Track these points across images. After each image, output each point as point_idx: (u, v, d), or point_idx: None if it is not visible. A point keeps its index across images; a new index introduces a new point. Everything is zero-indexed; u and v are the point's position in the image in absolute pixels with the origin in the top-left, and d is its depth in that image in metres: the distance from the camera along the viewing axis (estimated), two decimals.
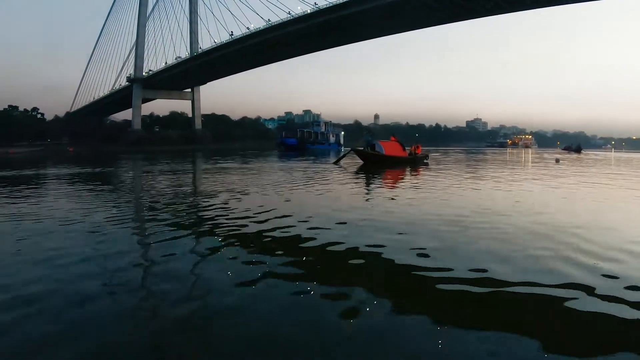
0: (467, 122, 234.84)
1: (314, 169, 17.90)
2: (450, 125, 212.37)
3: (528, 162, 25.16)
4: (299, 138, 73.97)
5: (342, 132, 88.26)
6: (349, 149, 23.86)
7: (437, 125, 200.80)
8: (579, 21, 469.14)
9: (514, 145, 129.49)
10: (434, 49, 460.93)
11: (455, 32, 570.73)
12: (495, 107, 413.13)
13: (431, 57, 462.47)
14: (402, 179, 13.60)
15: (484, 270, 3.82)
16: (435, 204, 7.97)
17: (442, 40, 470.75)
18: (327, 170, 16.97)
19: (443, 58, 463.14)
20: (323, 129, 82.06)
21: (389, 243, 4.77)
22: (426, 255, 4.33)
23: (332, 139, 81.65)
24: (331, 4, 63.24)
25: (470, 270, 3.84)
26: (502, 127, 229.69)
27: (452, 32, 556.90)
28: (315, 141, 76.57)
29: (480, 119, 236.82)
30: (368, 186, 11.18)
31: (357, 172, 16.06)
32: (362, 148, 21.84)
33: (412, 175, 14.86)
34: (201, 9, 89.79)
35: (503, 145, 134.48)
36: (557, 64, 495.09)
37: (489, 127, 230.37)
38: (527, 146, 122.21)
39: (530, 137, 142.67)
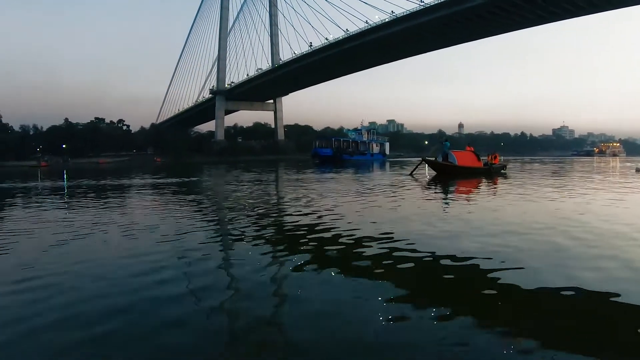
0: (554, 130, 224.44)
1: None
2: (536, 134, 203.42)
3: (614, 173, 24.02)
4: (334, 148, 67.30)
5: (388, 142, 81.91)
6: (420, 159, 23.64)
7: (523, 134, 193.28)
8: None
9: (601, 153, 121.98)
10: (518, 53, 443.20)
11: (540, 35, 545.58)
12: (583, 114, 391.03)
13: (516, 62, 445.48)
14: (476, 191, 13.74)
15: None
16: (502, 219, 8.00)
17: (527, 44, 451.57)
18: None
19: (528, 62, 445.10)
20: (365, 138, 74.48)
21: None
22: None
23: (375, 148, 75.03)
24: (409, 12, 61.22)
25: None
26: (589, 134, 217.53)
27: (536, 35, 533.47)
28: (354, 151, 69.81)
29: (567, 127, 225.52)
30: (447, 205, 10.54)
31: (429, 185, 16.18)
32: (434, 158, 21.73)
33: (487, 187, 14.92)
34: (280, 22, 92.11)
35: (590, 153, 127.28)
36: None
37: (576, 135, 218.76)
38: (614, 154, 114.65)
39: (618, 144, 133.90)
